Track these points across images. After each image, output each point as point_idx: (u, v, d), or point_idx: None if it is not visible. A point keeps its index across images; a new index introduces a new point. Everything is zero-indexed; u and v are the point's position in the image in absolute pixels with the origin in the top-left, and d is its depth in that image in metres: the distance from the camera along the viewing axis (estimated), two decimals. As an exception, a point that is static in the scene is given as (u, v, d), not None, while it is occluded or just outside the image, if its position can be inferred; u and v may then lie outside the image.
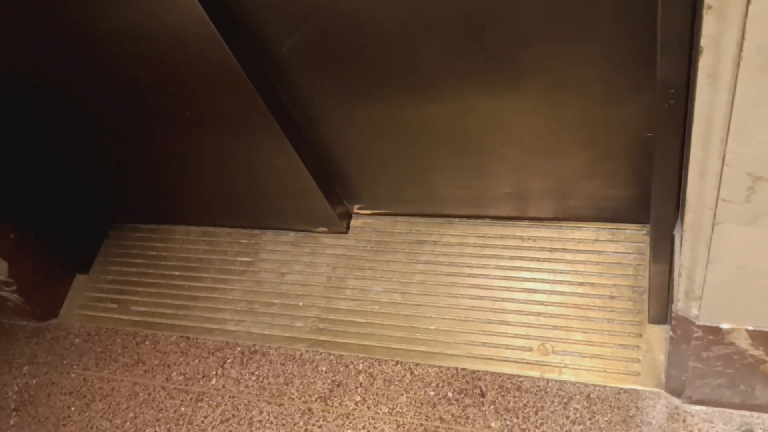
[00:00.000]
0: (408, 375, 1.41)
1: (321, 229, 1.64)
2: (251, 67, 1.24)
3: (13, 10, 1.23)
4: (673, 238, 1.04)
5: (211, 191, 1.63)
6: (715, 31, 0.61)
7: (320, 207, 1.56)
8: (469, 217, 1.55)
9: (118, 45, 1.24)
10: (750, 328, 0.98)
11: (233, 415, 1.46)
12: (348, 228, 1.64)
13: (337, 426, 1.39)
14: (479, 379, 1.37)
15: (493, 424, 1.31)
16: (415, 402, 1.37)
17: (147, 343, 1.62)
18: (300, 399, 1.44)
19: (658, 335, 1.31)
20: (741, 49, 0.61)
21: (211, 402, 1.49)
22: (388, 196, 1.57)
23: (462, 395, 1.36)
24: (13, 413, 1.61)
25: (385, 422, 1.37)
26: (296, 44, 1.21)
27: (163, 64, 1.26)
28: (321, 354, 1.48)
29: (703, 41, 0.62)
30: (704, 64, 0.65)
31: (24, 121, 1.52)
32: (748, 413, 1.21)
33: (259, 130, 1.36)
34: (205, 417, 1.48)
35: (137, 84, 1.33)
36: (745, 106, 0.66)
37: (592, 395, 1.29)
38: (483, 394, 1.35)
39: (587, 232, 1.46)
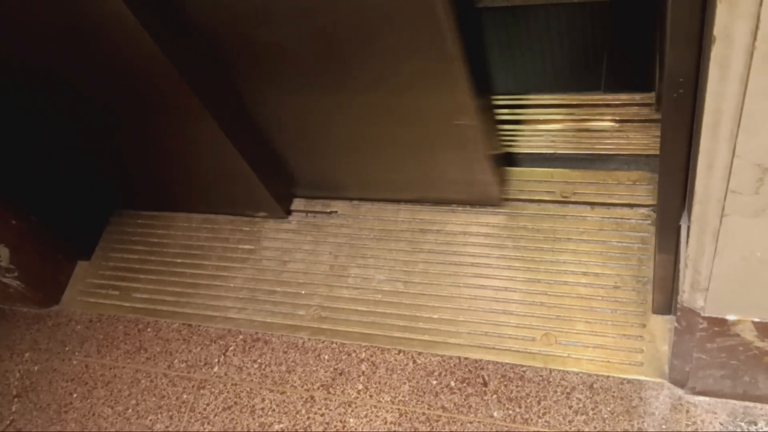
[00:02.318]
0: (410, 364, 1.41)
1: (261, 213, 1.69)
2: (180, 58, 1.28)
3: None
4: (678, 228, 1.03)
5: (168, 177, 1.69)
6: (728, 21, 0.60)
7: (257, 191, 1.59)
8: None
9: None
10: (756, 320, 0.98)
11: (235, 403, 1.46)
12: (289, 212, 1.68)
13: (340, 414, 1.39)
14: (482, 369, 1.36)
15: (495, 414, 1.31)
16: (418, 391, 1.37)
17: (149, 330, 1.62)
18: (302, 387, 1.44)
19: (661, 326, 1.31)
20: (755, 39, 0.60)
21: (213, 389, 1.49)
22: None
23: (464, 384, 1.36)
24: (15, 399, 1.61)
25: (387, 411, 1.37)
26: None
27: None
28: (323, 342, 1.48)
29: (716, 31, 0.62)
30: (716, 55, 0.64)
31: (25, 109, 1.51)
32: (751, 404, 1.21)
33: (193, 120, 1.40)
34: (207, 404, 1.48)
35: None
36: (757, 97, 0.65)
37: (595, 385, 1.29)
38: (485, 384, 1.35)
39: (591, 221, 1.46)
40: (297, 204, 1.69)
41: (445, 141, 1.37)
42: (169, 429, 1.47)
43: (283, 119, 1.45)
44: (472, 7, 1.35)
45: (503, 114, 1.61)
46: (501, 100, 1.63)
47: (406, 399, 1.37)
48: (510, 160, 1.58)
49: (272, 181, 1.60)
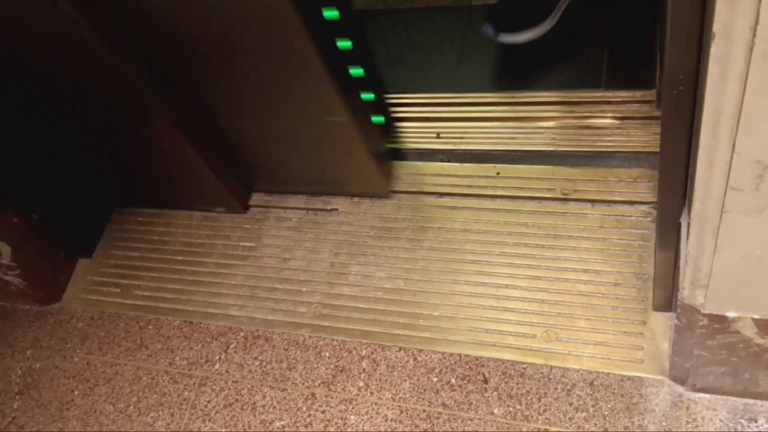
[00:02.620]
0: (411, 361, 1.41)
1: (219, 209, 1.74)
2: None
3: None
4: (679, 226, 1.03)
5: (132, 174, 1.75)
6: (727, 17, 0.60)
7: (214, 187, 1.65)
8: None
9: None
10: (756, 317, 0.98)
11: (236, 400, 1.46)
12: (246, 207, 1.73)
13: (340, 411, 1.39)
14: (482, 366, 1.37)
15: (495, 411, 1.31)
16: (418, 388, 1.38)
17: (150, 327, 1.62)
18: (303, 384, 1.44)
19: (662, 323, 1.31)
20: (754, 36, 0.60)
21: (214, 387, 1.50)
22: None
23: (465, 381, 1.36)
24: (17, 397, 1.61)
25: (388, 408, 1.37)
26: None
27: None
28: (324, 339, 1.48)
29: (715, 28, 0.62)
30: (715, 52, 0.64)
31: (25, 108, 1.51)
32: (751, 401, 1.21)
33: (149, 118, 1.46)
34: (209, 401, 1.48)
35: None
36: (757, 95, 0.65)
37: (595, 382, 1.29)
38: (486, 381, 1.35)
39: (592, 219, 1.46)
40: (294, 200, 1.69)
41: (323, 136, 1.47)
42: (171, 426, 1.47)
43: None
44: (349, 10, 1.44)
45: (502, 111, 1.62)
46: (496, 97, 1.63)
47: (407, 396, 1.37)
48: (511, 157, 1.58)
49: (225, 177, 1.66)
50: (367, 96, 1.52)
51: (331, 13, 1.30)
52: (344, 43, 1.37)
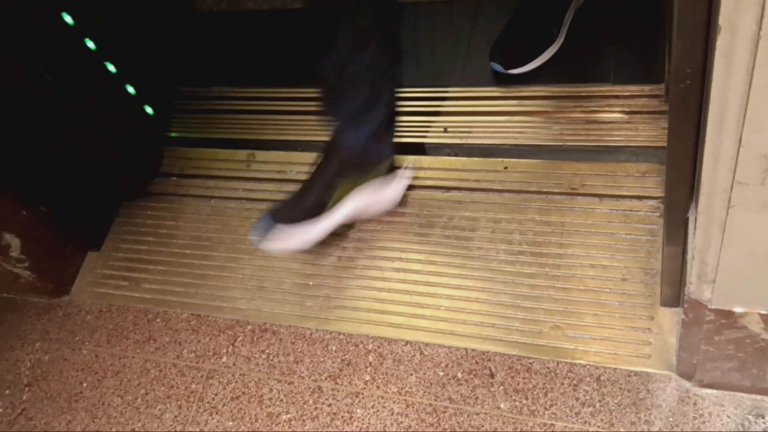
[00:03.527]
0: (418, 355, 1.41)
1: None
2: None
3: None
4: (686, 220, 1.03)
5: None
6: (733, 10, 0.60)
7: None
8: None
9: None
10: (763, 312, 0.97)
11: (243, 393, 1.47)
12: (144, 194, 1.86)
13: (347, 405, 1.39)
14: (489, 360, 1.37)
15: (502, 405, 1.31)
16: (425, 382, 1.38)
17: (158, 320, 1.63)
18: (310, 377, 1.45)
19: (669, 318, 1.30)
20: (760, 28, 0.59)
21: (221, 379, 1.50)
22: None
23: (471, 376, 1.36)
24: (26, 388, 1.63)
25: (394, 402, 1.37)
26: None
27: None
28: (331, 333, 1.49)
29: (721, 20, 0.61)
30: (721, 45, 0.63)
31: (32, 101, 1.52)
32: (759, 397, 1.21)
33: None
34: (216, 394, 1.48)
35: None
36: (762, 88, 0.64)
37: (602, 377, 1.29)
38: (492, 375, 1.35)
39: (600, 213, 1.45)
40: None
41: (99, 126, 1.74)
42: (178, 418, 1.48)
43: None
44: (89, 15, 1.65)
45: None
46: (504, 91, 1.62)
47: (413, 390, 1.37)
48: (519, 152, 1.58)
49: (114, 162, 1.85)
50: (132, 89, 1.81)
51: (68, 18, 1.58)
52: (91, 43, 1.63)
